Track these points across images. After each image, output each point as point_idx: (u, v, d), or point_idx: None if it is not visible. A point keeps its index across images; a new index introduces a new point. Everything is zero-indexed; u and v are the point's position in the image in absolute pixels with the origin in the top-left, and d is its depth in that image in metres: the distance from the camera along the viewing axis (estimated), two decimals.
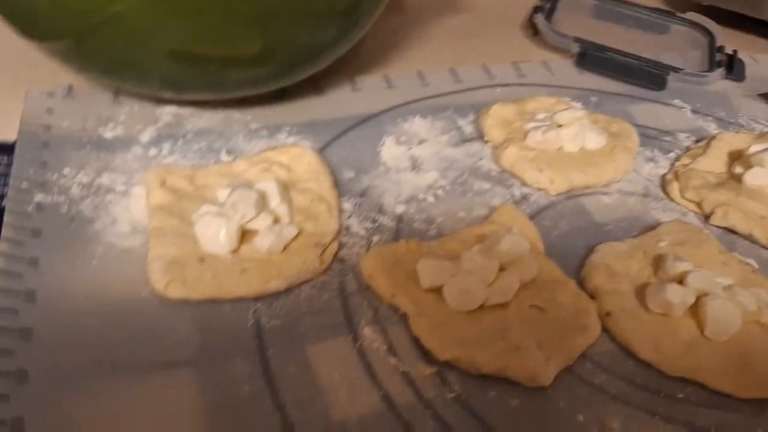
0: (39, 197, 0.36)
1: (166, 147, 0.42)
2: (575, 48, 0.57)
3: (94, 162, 0.39)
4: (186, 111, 0.45)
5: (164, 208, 0.35)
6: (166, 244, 0.33)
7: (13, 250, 0.32)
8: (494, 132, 0.46)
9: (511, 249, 0.34)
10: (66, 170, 0.38)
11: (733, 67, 0.57)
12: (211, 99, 0.45)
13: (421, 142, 0.45)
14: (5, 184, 0.37)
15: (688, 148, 0.48)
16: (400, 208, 0.40)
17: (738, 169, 0.43)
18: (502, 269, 0.34)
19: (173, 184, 0.37)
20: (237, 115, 0.46)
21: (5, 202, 0.35)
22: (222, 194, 0.36)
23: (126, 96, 0.45)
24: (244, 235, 0.35)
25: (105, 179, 0.38)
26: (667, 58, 0.58)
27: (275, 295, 0.33)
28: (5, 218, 0.34)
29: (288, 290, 0.34)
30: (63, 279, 0.32)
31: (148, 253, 0.33)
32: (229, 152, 0.42)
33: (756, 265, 0.38)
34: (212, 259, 0.33)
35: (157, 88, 0.43)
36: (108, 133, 0.42)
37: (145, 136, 0.42)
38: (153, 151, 0.41)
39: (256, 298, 0.33)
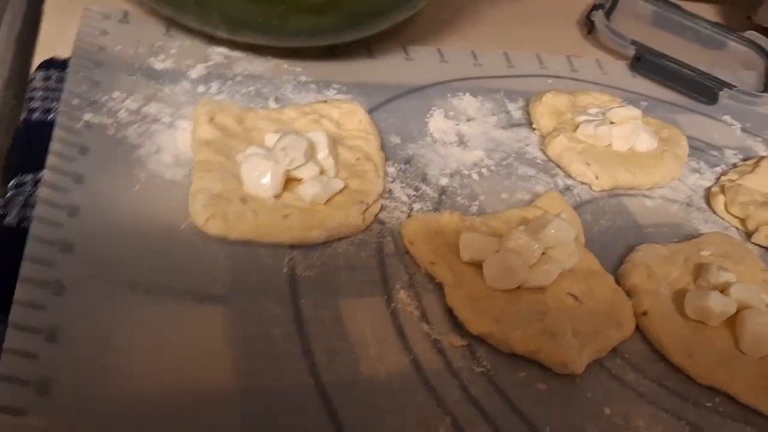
0: (88, 116, 0.35)
1: (214, 86, 0.41)
2: (630, 50, 0.56)
3: (143, 89, 0.39)
4: (237, 54, 0.44)
5: (211, 144, 0.35)
6: (210, 180, 0.33)
7: (61, 164, 0.32)
8: (544, 120, 0.45)
9: (557, 234, 0.33)
10: (116, 93, 0.38)
11: None
12: (264, 44, 0.44)
13: (469, 120, 0.45)
14: (56, 99, 0.36)
15: (735, 165, 0.48)
16: (443, 180, 0.39)
17: None
18: (544, 253, 0.33)
19: (222, 122, 0.36)
20: (287, 65, 0.45)
21: (55, 115, 0.34)
22: (270, 139, 0.36)
23: (178, 30, 0.45)
24: (289, 182, 0.34)
25: (152, 108, 0.38)
26: (721, 74, 0.57)
27: (313, 246, 0.33)
28: (54, 132, 0.33)
29: (326, 243, 0.33)
30: (106, 199, 0.31)
31: (190, 186, 0.33)
32: (277, 100, 0.42)
33: None
34: (255, 200, 0.33)
35: (214, 25, 0.42)
36: (158, 64, 0.41)
37: (194, 73, 0.42)
38: (201, 88, 0.41)
39: (293, 246, 0.33)
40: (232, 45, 0.45)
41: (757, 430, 0.30)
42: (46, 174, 0.31)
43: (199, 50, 0.44)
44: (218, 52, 0.44)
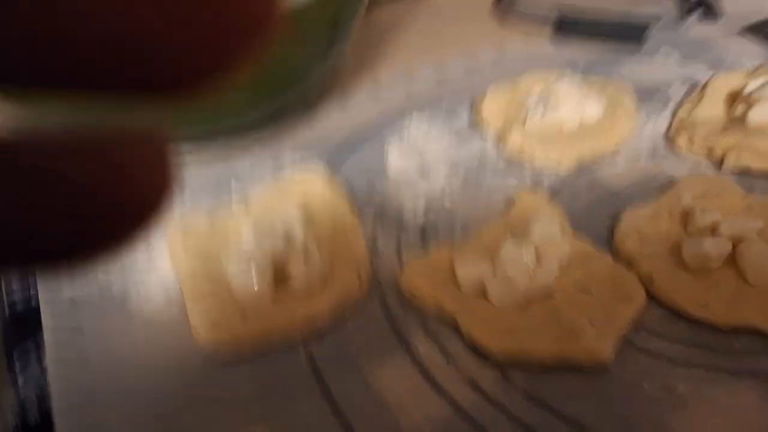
0: (68, 293, 0.36)
1: None
2: (551, 17, 0.57)
3: None
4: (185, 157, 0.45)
5: (195, 274, 0.35)
6: (206, 308, 0.33)
7: (59, 355, 0.33)
8: (494, 119, 0.46)
9: (543, 233, 0.34)
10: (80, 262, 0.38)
11: (709, 7, 0.57)
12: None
13: (424, 143, 0.46)
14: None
15: (682, 100, 0.49)
16: (420, 218, 0.40)
17: (739, 110, 0.43)
18: (538, 255, 0.34)
19: (196, 245, 0.37)
20: (236, 142, 0.46)
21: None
22: (246, 239, 0.36)
23: None
24: (278, 275, 0.35)
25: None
26: (642, 11, 0.58)
27: (323, 331, 0.33)
28: (44, 320, 0.34)
29: (334, 324, 0.34)
30: (118, 371, 0.32)
31: (189, 319, 0.33)
32: (237, 179, 0.43)
33: None
34: (253, 307, 0.33)
35: None
36: None
37: (142, 226, 0.42)
38: None
39: (305, 339, 0.33)
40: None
41: None
42: (49, 375, 0.32)
43: None
44: None
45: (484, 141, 0.46)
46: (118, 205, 0.13)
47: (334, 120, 0.48)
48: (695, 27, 0.56)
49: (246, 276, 0.34)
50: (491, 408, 0.30)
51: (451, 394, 0.30)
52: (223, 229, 0.38)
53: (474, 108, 0.48)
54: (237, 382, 0.31)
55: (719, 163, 0.42)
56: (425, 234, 0.39)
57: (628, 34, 0.55)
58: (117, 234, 0.14)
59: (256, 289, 0.33)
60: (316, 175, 0.41)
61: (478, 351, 0.32)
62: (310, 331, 0.33)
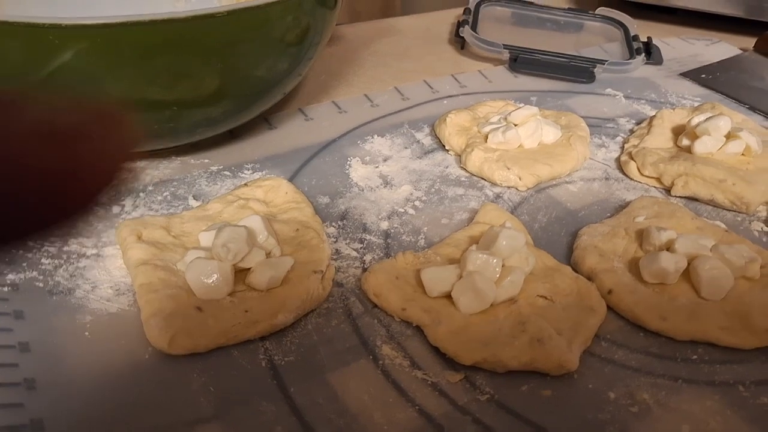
0: (11, 277, 0.33)
1: (128, 203, 0.40)
2: (505, 54, 0.59)
3: None
4: (139, 164, 0.43)
5: (147, 263, 0.33)
6: (158, 300, 0.31)
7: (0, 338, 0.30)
8: (454, 140, 0.47)
9: (509, 244, 0.34)
10: (29, 243, 0.35)
11: (651, 52, 0.61)
12: (164, 147, 0.44)
13: (386, 160, 0.46)
14: None
15: (632, 131, 0.51)
16: (384, 225, 0.39)
17: (685, 142, 0.46)
18: (504, 266, 0.34)
19: (150, 237, 0.35)
20: (193, 160, 0.44)
21: None
22: (204, 238, 0.35)
23: None
24: (238, 274, 0.33)
25: (73, 245, 0.36)
26: (590, 53, 0.61)
27: (282, 331, 0.32)
28: None
29: (294, 324, 0.32)
30: (59, 360, 0.29)
31: (141, 313, 0.31)
32: (195, 197, 0.41)
33: (724, 226, 0.40)
34: (210, 305, 0.32)
35: None
36: None
37: (102, 195, 0.40)
38: (116, 209, 0.39)
39: (263, 338, 0.32)
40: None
41: (741, 365, 0.32)
42: None
43: None
44: None
45: (445, 158, 0.46)
46: (74, 175, 0.15)
47: (295, 137, 0.47)
48: (638, 71, 0.59)
49: (204, 273, 0.32)
50: (456, 412, 0.29)
51: (415, 399, 0.29)
52: (180, 231, 0.36)
53: (434, 130, 0.48)
54: (189, 377, 0.29)
55: (667, 190, 0.44)
56: (389, 239, 0.38)
57: (579, 72, 0.58)
58: (72, 205, 0.15)
59: (214, 286, 0.32)
60: (278, 179, 0.40)
61: (442, 354, 0.31)
62: (270, 331, 0.32)
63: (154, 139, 0.41)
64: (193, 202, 0.40)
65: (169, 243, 0.35)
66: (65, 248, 0.36)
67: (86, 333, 0.31)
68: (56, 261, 0.35)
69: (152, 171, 0.43)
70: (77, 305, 0.32)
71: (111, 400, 0.28)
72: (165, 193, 0.41)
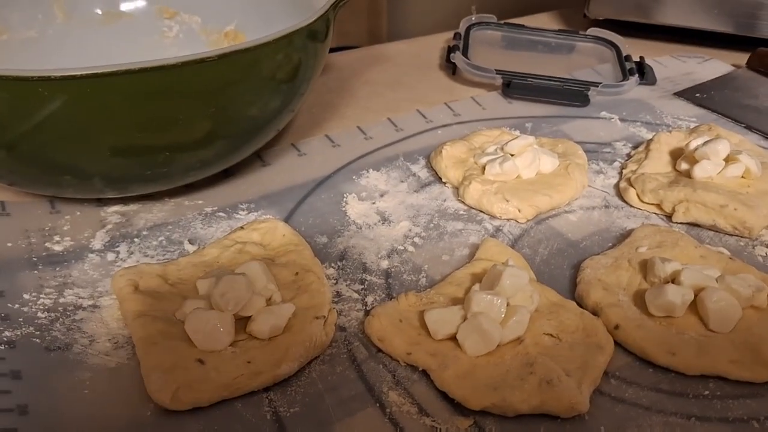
0: (7, 334, 0.32)
1: (122, 249, 0.39)
2: (498, 80, 0.58)
3: (51, 280, 0.36)
4: (132, 207, 0.43)
5: (144, 315, 0.32)
6: (158, 353, 0.31)
7: None
8: (450, 172, 0.46)
9: (513, 282, 0.33)
10: (25, 296, 0.35)
11: (644, 72, 0.61)
12: (157, 191, 0.43)
13: (382, 195, 0.45)
14: None
15: (629, 155, 0.50)
16: (384, 264, 0.39)
17: (683, 166, 0.45)
18: (508, 305, 0.33)
19: (147, 286, 0.34)
20: (187, 202, 0.44)
21: None
22: (203, 285, 0.34)
23: (64, 203, 0.42)
24: (239, 322, 0.33)
25: (68, 296, 0.35)
26: (583, 75, 0.61)
27: (286, 380, 0.31)
28: None
29: (298, 372, 0.32)
30: (59, 424, 0.29)
31: (141, 366, 0.31)
32: (191, 241, 0.40)
33: (728, 253, 0.40)
34: (212, 356, 0.31)
35: (99, 190, 0.40)
36: (56, 246, 0.39)
37: (97, 242, 0.40)
38: (110, 256, 0.38)
39: (267, 388, 0.31)
40: (124, 200, 0.43)
41: (755, 399, 0.31)
42: None
43: (93, 216, 0.42)
44: (113, 212, 0.42)
45: (443, 191, 0.46)
46: None
47: (289, 173, 0.47)
48: (632, 92, 0.59)
49: (204, 324, 0.31)
50: None
51: None
52: (177, 278, 0.36)
53: (430, 162, 0.48)
54: None
55: (669, 216, 0.43)
56: (389, 278, 0.38)
57: (573, 96, 0.57)
58: None
59: (215, 337, 0.31)
60: (275, 221, 0.39)
61: (450, 399, 0.31)
62: (274, 382, 0.31)
63: (146, 184, 0.41)
64: (189, 247, 0.40)
65: (166, 292, 0.34)
66: (61, 300, 0.35)
67: (85, 391, 0.30)
68: (52, 314, 0.34)
69: (146, 214, 0.42)
70: (75, 361, 0.31)
71: None
72: (160, 238, 0.40)
